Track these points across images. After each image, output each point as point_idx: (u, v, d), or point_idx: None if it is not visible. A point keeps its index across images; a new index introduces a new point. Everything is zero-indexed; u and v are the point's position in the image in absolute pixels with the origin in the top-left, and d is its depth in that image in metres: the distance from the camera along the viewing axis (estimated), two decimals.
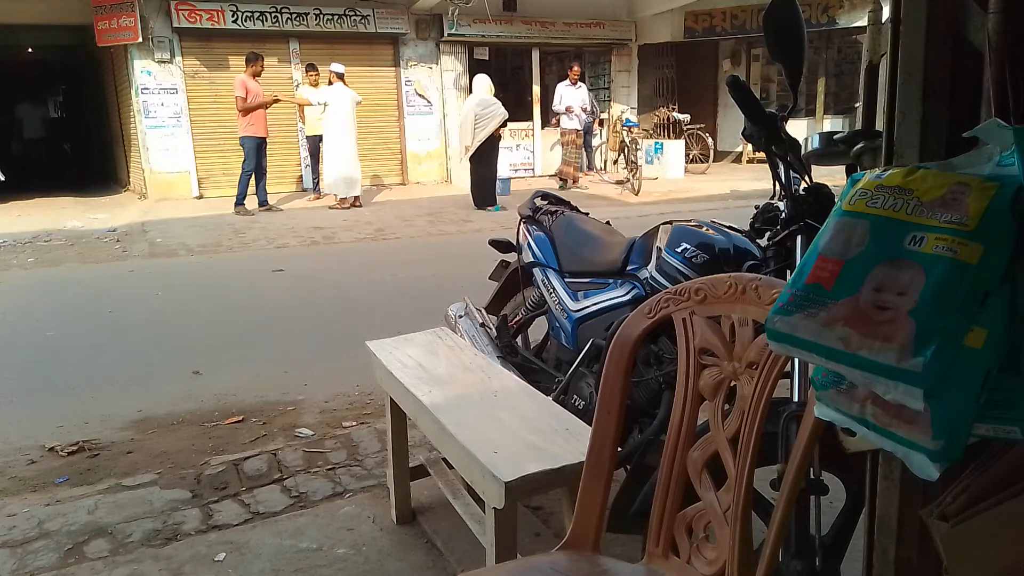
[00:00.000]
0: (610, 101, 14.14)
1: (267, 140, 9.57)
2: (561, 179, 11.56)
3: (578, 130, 11.43)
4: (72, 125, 17.29)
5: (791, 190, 1.69)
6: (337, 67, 9.94)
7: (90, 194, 12.19)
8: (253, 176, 9.59)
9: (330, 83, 9.99)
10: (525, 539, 2.14)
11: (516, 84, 14.14)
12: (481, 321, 2.85)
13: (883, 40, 1.30)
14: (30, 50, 13.36)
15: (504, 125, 9.55)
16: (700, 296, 1.24)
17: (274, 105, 9.65)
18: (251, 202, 9.66)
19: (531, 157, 13.72)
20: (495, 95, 9.59)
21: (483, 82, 9.52)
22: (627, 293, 2.21)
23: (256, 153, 9.40)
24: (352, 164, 9.97)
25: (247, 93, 9.22)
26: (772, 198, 1.80)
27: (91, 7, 10.29)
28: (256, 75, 9.38)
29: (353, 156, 9.96)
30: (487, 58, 12.80)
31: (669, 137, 13.58)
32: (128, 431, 3.24)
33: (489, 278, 3.16)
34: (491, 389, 2.03)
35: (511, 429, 1.76)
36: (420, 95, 12.50)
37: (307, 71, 10.38)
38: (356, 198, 10.10)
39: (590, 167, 13.08)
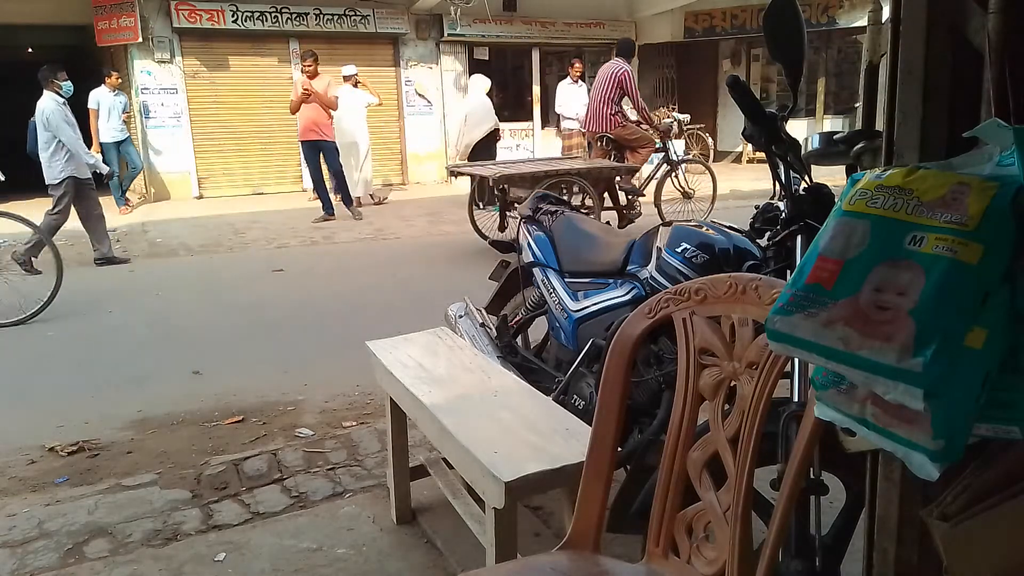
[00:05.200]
0: None
1: (333, 143, 9.02)
2: None
3: (583, 131, 11.24)
4: None
5: (791, 190, 1.69)
6: (346, 70, 9.81)
7: None
8: (333, 179, 9.23)
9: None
10: (525, 539, 2.13)
11: (516, 84, 14.13)
12: (481, 321, 2.85)
13: (883, 40, 1.30)
14: (30, 50, 13.34)
15: (496, 133, 9.38)
16: (700, 296, 1.24)
17: (309, 98, 8.94)
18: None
19: (531, 157, 13.71)
20: (495, 96, 9.51)
21: (480, 83, 9.36)
22: (627, 293, 2.21)
23: (336, 154, 9.01)
24: (361, 165, 9.95)
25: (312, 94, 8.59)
26: (772, 198, 1.80)
27: (91, 7, 10.29)
28: (311, 76, 8.72)
29: (360, 157, 9.93)
30: (487, 58, 12.79)
31: (669, 137, 13.55)
32: (128, 431, 3.24)
33: (489, 278, 3.16)
34: (491, 389, 2.03)
35: (511, 429, 1.76)
36: (420, 95, 12.50)
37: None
38: (357, 199, 10.09)
39: None
